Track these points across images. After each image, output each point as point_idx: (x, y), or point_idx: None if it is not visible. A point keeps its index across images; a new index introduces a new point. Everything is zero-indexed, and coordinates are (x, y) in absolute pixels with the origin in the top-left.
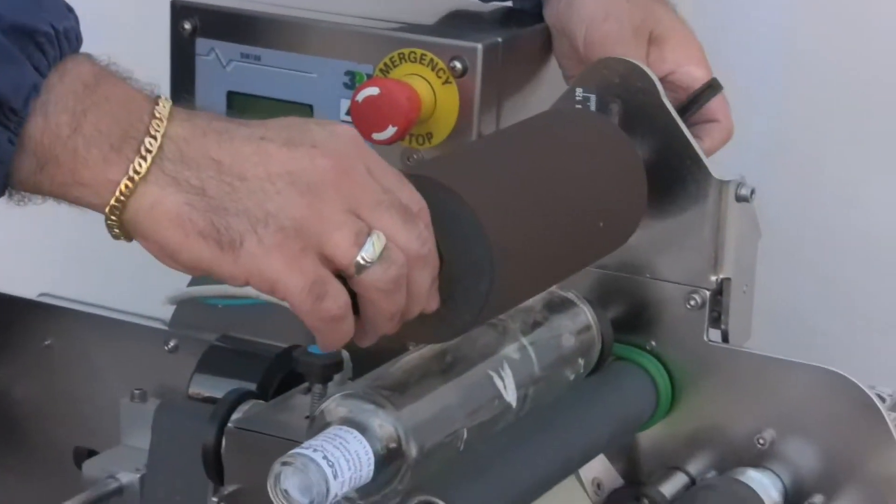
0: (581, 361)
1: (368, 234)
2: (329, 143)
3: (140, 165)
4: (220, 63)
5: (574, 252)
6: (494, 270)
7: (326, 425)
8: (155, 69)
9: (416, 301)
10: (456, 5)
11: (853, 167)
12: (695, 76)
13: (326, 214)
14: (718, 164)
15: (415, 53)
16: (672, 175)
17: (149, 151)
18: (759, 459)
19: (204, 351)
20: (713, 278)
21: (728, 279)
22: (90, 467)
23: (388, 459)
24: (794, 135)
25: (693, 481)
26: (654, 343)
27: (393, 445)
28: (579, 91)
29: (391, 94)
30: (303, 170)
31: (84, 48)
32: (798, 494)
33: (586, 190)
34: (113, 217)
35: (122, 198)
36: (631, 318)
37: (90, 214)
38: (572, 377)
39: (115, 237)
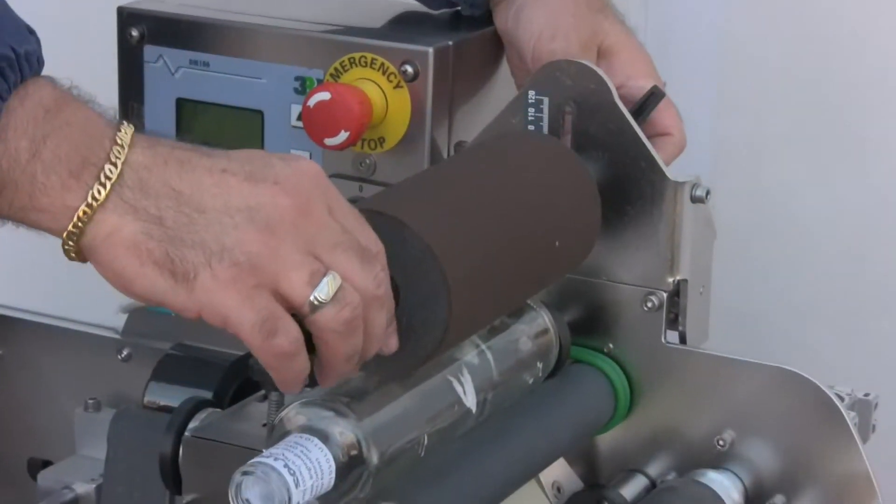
0: (539, 365)
1: (324, 275)
2: (291, 181)
3: (99, 192)
4: (168, 70)
5: (531, 273)
6: (451, 297)
7: (286, 433)
8: (103, 77)
9: (373, 341)
10: (405, 9)
11: (793, 167)
12: (644, 89)
13: (283, 253)
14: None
15: (365, 58)
16: (627, 177)
17: (108, 178)
18: (719, 460)
19: (159, 359)
20: (670, 280)
21: (685, 280)
22: (45, 478)
23: (349, 467)
24: (734, 136)
25: (653, 483)
26: (611, 345)
27: (354, 453)
28: (532, 94)
29: (343, 98)
30: (262, 206)
31: None
32: (759, 495)
33: (539, 211)
34: (70, 243)
35: (79, 224)
36: (588, 320)
37: None
38: (531, 381)
39: (71, 259)
